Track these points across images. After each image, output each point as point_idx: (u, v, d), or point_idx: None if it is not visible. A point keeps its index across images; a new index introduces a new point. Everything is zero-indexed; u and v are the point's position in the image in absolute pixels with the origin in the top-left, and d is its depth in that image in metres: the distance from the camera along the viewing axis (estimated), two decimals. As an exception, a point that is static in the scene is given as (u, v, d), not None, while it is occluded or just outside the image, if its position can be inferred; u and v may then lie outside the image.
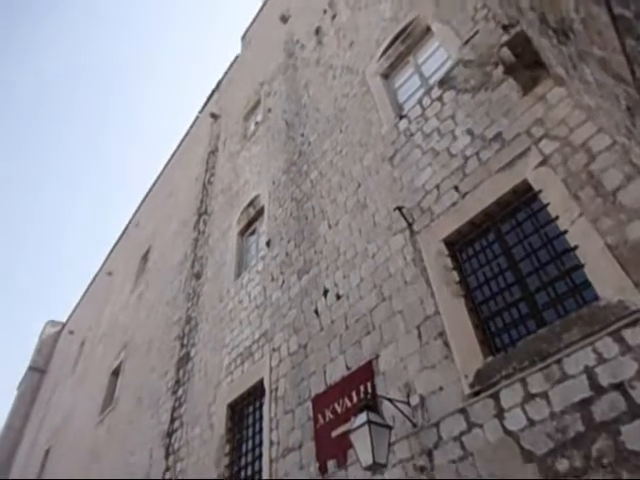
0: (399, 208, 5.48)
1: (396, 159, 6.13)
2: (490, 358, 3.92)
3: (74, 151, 74.64)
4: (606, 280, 3.42)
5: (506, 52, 4.62)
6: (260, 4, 15.54)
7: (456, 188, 5.02)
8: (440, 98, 5.86)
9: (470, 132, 5.19)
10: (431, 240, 5.02)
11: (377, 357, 4.99)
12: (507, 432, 3.52)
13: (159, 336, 11.59)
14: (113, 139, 75.59)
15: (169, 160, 19.16)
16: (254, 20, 15.75)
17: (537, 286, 4.02)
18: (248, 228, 9.85)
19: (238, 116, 13.40)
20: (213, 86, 17.14)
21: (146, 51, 74.57)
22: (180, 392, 9.09)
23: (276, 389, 6.33)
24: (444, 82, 5.90)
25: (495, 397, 3.70)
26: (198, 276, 10.86)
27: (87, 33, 65.73)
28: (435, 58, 6.58)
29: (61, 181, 75.18)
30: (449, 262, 4.74)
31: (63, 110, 70.61)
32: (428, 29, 6.87)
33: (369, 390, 4.82)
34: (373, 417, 3.89)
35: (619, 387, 3.03)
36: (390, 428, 4.03)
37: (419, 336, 4.64)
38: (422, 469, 4.00)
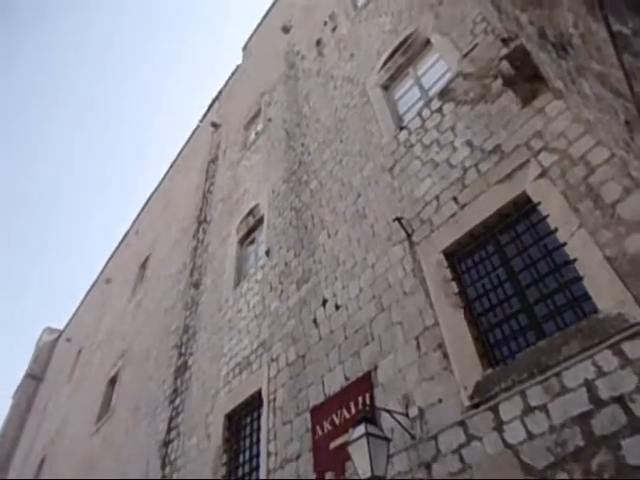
0: (398, 219, 5.49)
1: (396, 170, 6.16)
2: (489, 370, 3.91)
3: (76, 152, 74.84)
4: (605, 293, 3.42)
5: (505, 65, 4.67)
6: (262, 15, 15.69)
7: (455, 199, 5.04)
8: (440, 110, 5.90)
9: (469, 144, 5.22)
10: (430, 251, 5.02)
11: (376, 368, 4.97)
12: (507, 445, 3.49)
13: (157, 345, 11.54)
14: (115, 146, 75.84)
15: (169, 168, 19.22)
16: (255, 30, 15.89)
17: (536, 298, 4.02)
18: (247, 237, 9.85)
19: (239, 125, 13.46)
20: (214, 95, 17.25)
21: (147, 59, 75.09)
22: (177, 401, 9.04)
23: (274, 399, 6.29)
24: (444, 94, 5.95)
25: (494, 410, 3.69)
26: (197, 285, 10.84)
27: (87, 35, 66.19)
28: (435, 70, 6.63)
29: (62, 186, 75.30)
30: (448, 273, 4.74)
31: (64, 111, 70.94)
32: (428, 41, 6.93)
33: (367, 401, 4.79)
34: (372, 429, 3.86)
35: (619, 400, 3.02)
36: (389, 440, 4.00)
37: (418, 347, 4.62)
38: (421, 482, 3.97)
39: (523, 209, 4.42)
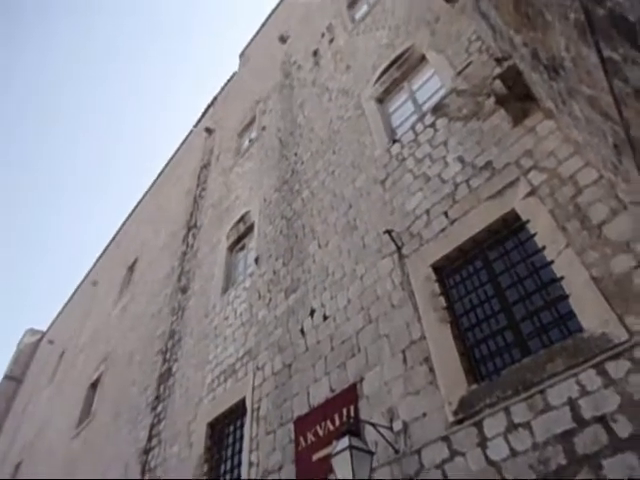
0: (389, 231, 5.52)
1: (388, 182, 6.19)
2: (474, 386, 3.92)
3: (63, 156, 74.27)
4: (590, 312, 3.46)
5: (498, 84, 4.74)
6: (260, 23, 15.79)
7: (446, 214, 5.08)
8: (433, 124, 5.96)
9: (461, 159, 5.27)
10: (419, 265, 5.05)
11: (362, 380, 4.95)
12: (489, 462, 3.49)
13: (141, 350, 11.40)
14: (104, 148, 75.40)
15: (161, 172, 19.14)
16: (253, 38, 15.97)
17: (523, 315, 4.05)
18: (237, 244, 9.82)
19: (232, 132, 13.48)
20: (209, 101, 17.27)
21: (145, 63, 75.06)
22: (160, 408, 8.92)
23: (258, 409, 6.24)
24: (437, 109, 6.01)
25: (478, 425, 3.69)
26: (184, 290, 10.76)
27: (88, 39, 66.02)
28: (429, 85, 6.71)
29: (47, 185, 74.57)
30: (436, 287, 4.76)
31: (50, 115, 70.48)
32: (423, 57, 7.02)
33: (352, 414, 4.77)
34: (355, 442, 3.84)
35: (601, 420, 3.04)
36: (372, 454, 3.98)
37: (404, 360, 4.62)
38: (403, 497, 3.95)
39: (512, 226, 4.46)
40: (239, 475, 6.07)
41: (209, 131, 15.44)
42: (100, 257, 21.45)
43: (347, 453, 3.75)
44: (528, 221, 4.25)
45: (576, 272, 3.67)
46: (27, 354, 25.10)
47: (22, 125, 66.26)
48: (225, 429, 7.00)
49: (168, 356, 9.75)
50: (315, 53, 10.56)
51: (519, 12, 2.97)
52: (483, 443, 3.60)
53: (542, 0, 2.37)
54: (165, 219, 15.32)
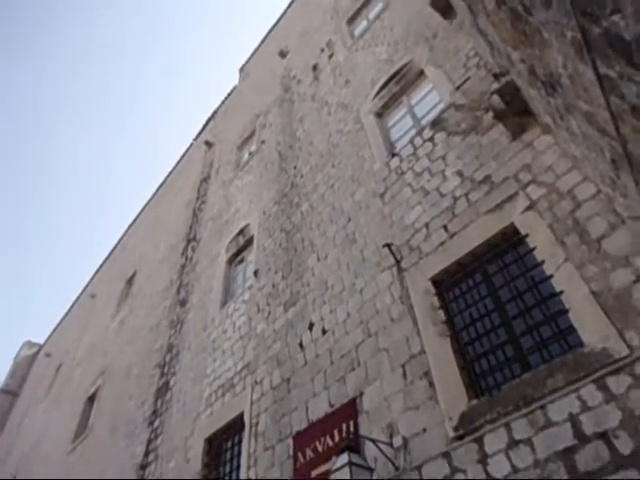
0: (388, 245, 5.52)
1: (387, 196, 6.21)
2: (475, 401, 3.88)
3: (62, 168, 74.52)
4: (590, 326, 3.45)
5: (496, 99, 4.78)
6: (260, 38, 15.98)
7: (445, 228, 5.09)
8: (432, 139, 6.00)
9: (460, 173, 5.30)
10: (419, 278, 5.04)
11: (361, 395, 4.91)
12: (491, 479, 3.45)
13: (139, 363, 11.32)
14: (104, 160, 75.74)
15: (161, 185, 19.19)
16: (253, 53, 16.14)
17: (522, 329, 4.04)
18: (236, 257, 9.81)
19: (232, 145, 13.55)
20: (209, 114, 17.39)
21: (146, 75, 75.75)
22: (157, 423, 8.82)
23: (256, 424, 6.17)
24: (436, 123, 6.06)
25: (479, 441, 3.65)
26: (183, 303, 10.72)
27: (87, 55, 66.64)
28: (428, 100, 6.77)
29: (46, 198, 74.71)
30: (436, 301, 4.75)
31: (50, 124, 70.86)
32: (422, 72, 7.09)
33: (352, 429, 4.72)
34: (355, 458, 3.80)
35: (603, 436, 3.01)
36: (372, 470, 3.94)
37: (404, 375, 4.59)
38: (403, 515, 3.89)
39: (511, 240, 4.47)
40: (237, 492, 5.99)
41: (209, 144, 15.53)
42: (98, 270, 21.40)
43: (347, 469, 3.71)
44: (527, 235, 4.26)
45: (575, 286, 3.66)
46: (24, 367, 24.91)
47: (21, 137, 66.58)
48: (223, 445, 6.92)
49: (166, 370, 9.68)
50: (315, 68, 10.66)
51: (516, 30, 3.01)
52: (484, 460, 3.56)
53: (539, 18, 2.41)
54: (164, 232, 15.32)
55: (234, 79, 17.96)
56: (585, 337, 3.46)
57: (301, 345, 6.19)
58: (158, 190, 19.21)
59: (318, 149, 8.63)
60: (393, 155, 6.54)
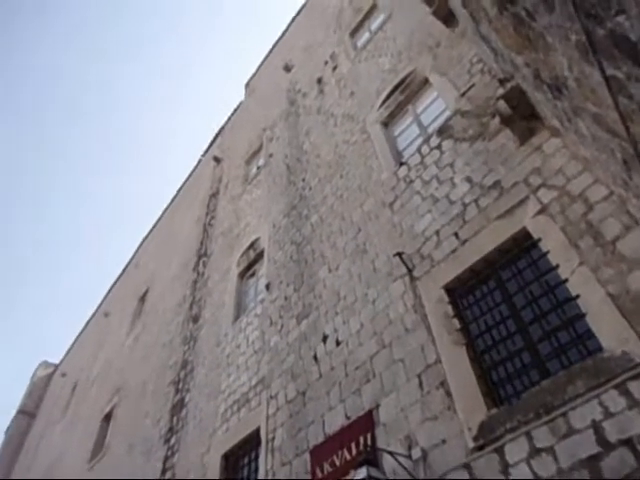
0: (399, 254, 5.49)
1: (396, 205, 6.20)
2: (494, 410, 3.82)
3: (75, 188, 75.57)
4: (609, 330, 3.39)
5: (502, 104, 4.77)
6: (264, 54, 16.18)
7: (456, 235, 5.05)
8: (439, 146, 6.00)
9: (469, 180, 5.28)
10: (431, 287, 5.00)
11: (377, 407, 4.86)
12: (513, 490, 3.37)
13: (154, 380, 11.33)
14: (116, 179, 76.75)
15: (171, 202, 19.37)
16: (258, 69, 16.33)
17: (540, 335, 3.97)
18: (248, 270, 9.83)
19: (240, 160, 13.66)
20: (217, 130, 17.57)
21: (154, 94, 76.95)
22: (173, 440, 8.80)
23: (273, 439, 6.12)
24: (442, 131, 6.06)
25: (500, 451, 3.58)
26: (196, 319, 10.74)
27: (98, 73, 67.94)
28: (433, 108, 6.78)
29: (62, 218, 75.77)
30: (450, 309, 4.70)
31: (65, 141, 72.05)
32: (426, 80, 7.11)
33: (369, 442, 4.66)
34: (374, 472, 3.75)
35: (628, 443, 2.94)
36: (391, 483, 3.87)
37: (420, 385, 4.53)
38: (425, 529, 3.82)
39: (524, 245, 4.43)
40: (255, 508, 5.92)
41: (217, 160, 15.66)
42: (112, 288, 21.56)
43: (365, 484, 3.65)
44: (540, 239, 4.22)
45: (592, 290, 3.61)
46: (40, 387, 25.07)
47: (35, 149, 67.72)
48: (240, 461, 6.87)
49: (181, 386, 9.67)
50: (319, 81, 10.75)
51: (520, 35, 3.01)
52: (506, 470, 3.48)
53: (542, 23, 2.40)
54: (176, 248, 15.42)
55: (240, 95, 18.15)
56: (604, 341, 3.39)
57: (315, 358, 6.15)
58: (168, 207, 19.39)
59: (326, 160, 8.66)
60: (401, 164, 6.54)
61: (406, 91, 7.42)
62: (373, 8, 10.20)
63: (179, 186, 19.12)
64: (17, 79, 59.17)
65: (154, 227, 19.94)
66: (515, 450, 3.49)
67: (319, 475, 5.03)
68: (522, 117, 4.83)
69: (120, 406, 12.70)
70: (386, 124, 7.62)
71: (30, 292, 70.19)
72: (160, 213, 19.92)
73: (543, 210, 4.29)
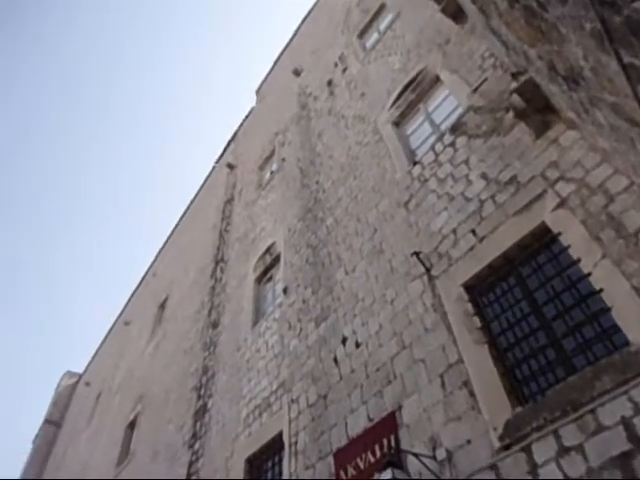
0: (416, 253, 5.45)
1: (411, 204, 6.16)
2: (519, 408, 3.76)
3: (94, 200, 76.83)
4: (636, 324, 3.31)
5: (516, 98, 4.71)
6: (274, 59, 16.26)
7: (473, 232, 5.00)
8: (452, 144, 5.94)
9: (484, 176, 5.22)
10: (450, 285, 4.95)
11: (400, 408, 4.82)
12: (542, 490, 3.31)
13: (176, 387, 11.42)
14: (132, 189, 77.85)
15: (186, 210, 19.56)
16: (268, 74, 16.43)
17: (563, 331, 3.90)
18: (265, 275, 9.86)
19: (253, 166, 13.73)
20: (229, 137, 17.71)
21: (164, 103, 77.91)
22: (197, 446, 8.85)
23: (295, 443, 6.12)
24: (456, 128, 6.01)
25: (527, 451, 3.52)
26: (215, 325, 10.80)
27: (109, 83, 69.06)
28: (445, 105, 6.72)
29: (82, 228, 77.06)
30: (470, 307, 4.64)
31: (87, 149, 73.33)
32: (437, 78, 7.06)
33: (392, 444, 4.62)
34: (398, 474, 3.72)
35: (660, 439, 2.86)
36: (417, 485, 3.83)
37: (443, 385, 4.48)
38: (453, 531, 3.77)
39: (543, 240, 4.35)
40: (281, 513, 5.92)
41: (231, 167, 15.77)
42: (131, 297, 21.83)
43: (391, 486, 3.62)
44: (560, 234, 4.14)
45: (616, 283, 3.53)
46: (65, 396, 25.46)
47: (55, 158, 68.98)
48: (263, 465, 6.88)
49: (202, 392, 9.73)
50: (329, 83, 10.76)
51: (532, 27, 2.97)
52: (534, 470, 3.42)
53: (555, 14, 2.37)
54: (192, 256, 15.55)
55: (251, 101, 18.24)
56: (631, 335, 3.32)
57: (335, 360, 6.13)
58: (184, 215, 19.58)
59: (339, 163, 8.66)
60: (415, 163, 6.50)
61: (417, 90, 7.38)
62: (381, 8, 10.18)
63: (194, 194, 19.29)
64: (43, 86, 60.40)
65: (171, 235, 20.16)
66: (543, 449, 3.43)
67: (344, 478, 5.00)
68: (537, 110, 4.76)
69: (143, 414, 12.83)
70: (398, 124, 7.58)
71: (52, 305, 71.49)
72: (176, 221, 20.13)
73: (562, 204, 4.21)
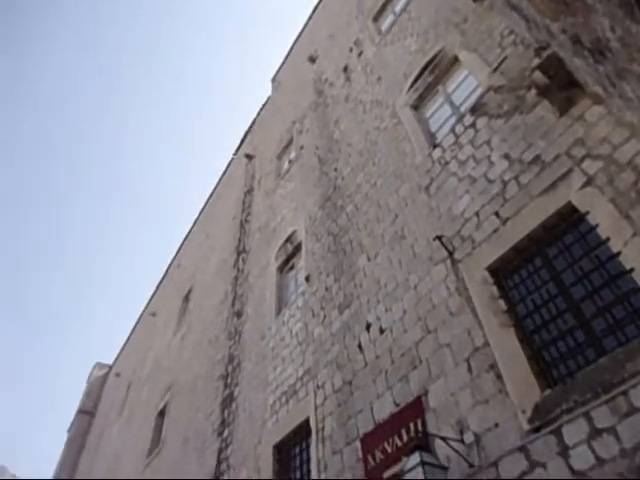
0: (439, 237, 5.40)
1: (432, 188, 6.09)
2: (548, 391, 3.71)
3: (120, 194, 78.18)
4: (669, 303, 3.22)
5: (539, 75, 4.58)
6: (288, 47, 16.15)
7: (497, 214, 4.91)
8: (473, 125, 5.83)
9: (507, 157, 5.11)
10: (474, 268, 4.89)
11: (426, 393, 4.81)
12: (574, 472, 3.27)
13: (203, 376, 11.64)
14: (156, 184, 78.89)
15: (207, 201, 19.72)
16: (283, 62, 16.33)
17: (592, 312, 3.82)
18: (286, 264, 9.91)
19: (272, 155, 13.73)
20: (246, 128, 17.71)
21: (180, 99, 78.37)
22: (226, 433, 9.02)
23: (322, 428, 6.18)
24: (476, 109, 5.88)
25: (557, 433, 3.48)
26: (239, 314, 10.93)
27: (122, 78, 69.76)
28: (465, 86, 6.58)
29: (108, 225, 78.65)
30: (495, 290, 4.58)
31: (114, 148, 74.50)
32: (456, 58, 6.91)
33: (420, 428, 4.63)
34: (427, 457, 3.73)
35: (696, 420, 2.79)
36: (445, 469, 3.85)
37: (469, 369, 4.46)
38: (483, 513, 3.77)
39: (570, 220, 4.25)
40: (310, 497, 6.01)
41: (249, 157, 15.80)
42: (157, 289, 22.23)
43: (419, 469, 3.64)
44: (587, 213, 4.04)
45: (647, 262, 3.43)
46: (97, 388, 26.21)
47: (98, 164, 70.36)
48: (291, 451, 6.97)
49: (229, 381, 9.89)
50: (345, 69, 10.64)
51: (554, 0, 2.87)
52: (565, 452, 3.38)
53: (580, -17, 2.28)
54: (214, 247, 15.72)
55: (267, 90, 18.18)
56: (664, 315, 3.23)
57: (360, 346, 6.15)
58: (205, 207, 19.76)
59: (357, 149, 8.59)
60: (435, 146, 6.40)
61: (435, 71, 7.24)
62: (395, -11, 9.98)
63: (214, 186, 19.41)
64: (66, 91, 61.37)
65: (193, 227, 20.39)
66: (573, 431, 3.38)
67: (372, 463, 5.04)
68: (560, 87, 4.62)
69: (172, 402, 13.13)
70: (416, 107, 7.47)
71: (82, 299, 73.34)
72: (197, 214, 20.34)
73: (589, 182, 4.10)
